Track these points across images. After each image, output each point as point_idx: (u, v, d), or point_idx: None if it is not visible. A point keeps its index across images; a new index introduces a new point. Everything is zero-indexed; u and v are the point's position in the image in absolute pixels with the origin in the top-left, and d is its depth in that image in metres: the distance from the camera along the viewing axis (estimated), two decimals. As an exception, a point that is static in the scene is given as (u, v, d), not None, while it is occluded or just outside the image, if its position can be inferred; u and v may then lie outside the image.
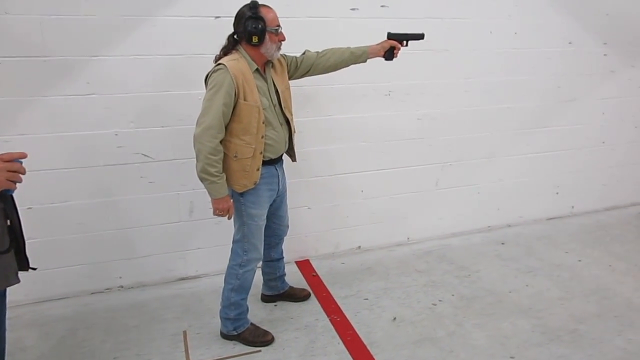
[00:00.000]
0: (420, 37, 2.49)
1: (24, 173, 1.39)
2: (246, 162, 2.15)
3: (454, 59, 3.25)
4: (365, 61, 2.46)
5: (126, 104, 2.64)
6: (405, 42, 2.47)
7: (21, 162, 1.39)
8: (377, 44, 2.43)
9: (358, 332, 2.48)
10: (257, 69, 2.16)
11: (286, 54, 2.37)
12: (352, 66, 2.46)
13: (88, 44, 2.50)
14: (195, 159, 2.09)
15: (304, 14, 2.80)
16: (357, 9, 2.91)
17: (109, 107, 2.61)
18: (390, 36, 2.46)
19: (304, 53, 2.42)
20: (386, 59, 2.48)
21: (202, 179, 2.11)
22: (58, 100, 2.53)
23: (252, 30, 2.06)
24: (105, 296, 2.84)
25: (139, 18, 2.54)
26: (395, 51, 2.45)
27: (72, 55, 2.49)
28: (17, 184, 1.41)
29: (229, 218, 2.24)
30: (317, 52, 2.41)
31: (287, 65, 2.36)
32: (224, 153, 2.12)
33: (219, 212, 2.19)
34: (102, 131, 2.64)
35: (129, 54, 2.57)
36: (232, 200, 2.21)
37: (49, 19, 2.40)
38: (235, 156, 2.14)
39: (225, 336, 2.42)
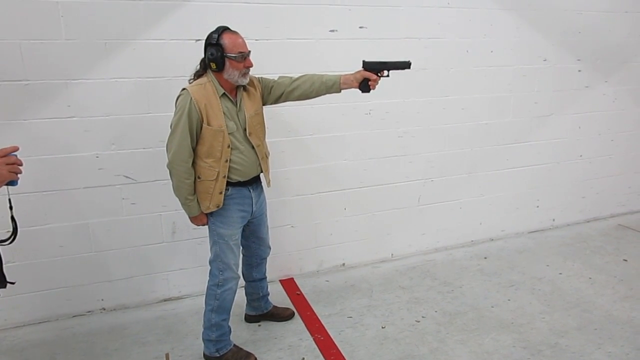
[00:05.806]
0: (404, 65, 2.21)
1: (21, 164, 1.49)
2: (209, 185, 2.17)
3: (432, 77, 3.31)
4: (338, 91, 2.33)
5: (107, 126, 2.64)
6: (385, 71, 2.26)
7: (16, 155, 1.48)
8: (351, 74, 2.29)
9: (342, 351, 2.48)
10: (224, 94, 2.16)
11: (263, 77, 2.37)
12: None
13: (69, 67, 2.51)
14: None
15: (283, 36, 2.84)
16: (336, 30, 2.96)
17: (89, 129, 2.62)
18: (365, 65, 2.24)
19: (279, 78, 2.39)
20: (362, 91, 2.28)
21: (177, 196, 2.21)
22: (39, 123, 2.53)
23: (209, 57, 2.09)
24: (86, 319, 2.81)
25: (120, 42, 2.56)
26: (370, 82, 2.25)
27: (53, 78, 2.50)
28: (19, 175, 1.49)
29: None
30: (292, 77, 2.35)
31: (262, 89, 2.34)
32: None
33: (196, 225, 2.33)
34: (83, 153, 2.64)
35: (110, 77, 2.59)
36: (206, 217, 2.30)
37: (29, 43, 2.41)
38: (199, 177, 2.18)
39: (208, 358, 2.40)
